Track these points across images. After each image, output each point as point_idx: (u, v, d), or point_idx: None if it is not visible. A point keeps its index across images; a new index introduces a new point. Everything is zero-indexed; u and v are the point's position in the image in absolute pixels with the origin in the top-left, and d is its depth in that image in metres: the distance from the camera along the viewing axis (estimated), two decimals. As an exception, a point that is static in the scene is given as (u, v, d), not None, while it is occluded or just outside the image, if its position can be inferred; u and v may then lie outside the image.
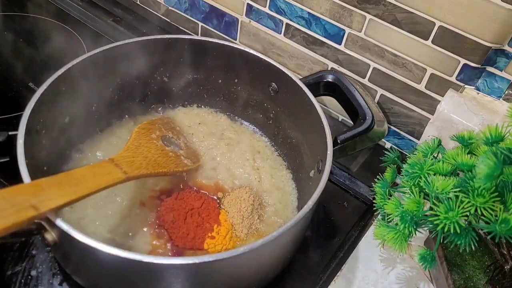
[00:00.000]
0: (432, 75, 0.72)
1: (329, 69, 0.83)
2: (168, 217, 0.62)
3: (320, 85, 0.73)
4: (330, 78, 0.73)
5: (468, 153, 0.54)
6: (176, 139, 0.71)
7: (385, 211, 0.56)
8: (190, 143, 0.74)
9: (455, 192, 0.48)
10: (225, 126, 0.79)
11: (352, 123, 0.69)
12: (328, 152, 0.59)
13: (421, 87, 0.74)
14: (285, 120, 0.74)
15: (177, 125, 0.76)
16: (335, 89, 0.72)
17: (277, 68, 0.70)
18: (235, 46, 0.72)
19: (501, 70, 0.68)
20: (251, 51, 0.71)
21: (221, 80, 0.77)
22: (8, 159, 0.67)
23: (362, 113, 0.68)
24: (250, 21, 0.88)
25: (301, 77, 0.73)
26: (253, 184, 0.70)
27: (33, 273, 0.58)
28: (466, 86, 0.71)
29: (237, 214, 0.64)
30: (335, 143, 0.63)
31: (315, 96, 0.66)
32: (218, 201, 0.67)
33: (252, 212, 0.65)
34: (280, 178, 0.73)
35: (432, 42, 0.69)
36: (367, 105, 0.69)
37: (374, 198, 0.62)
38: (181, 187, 0.68)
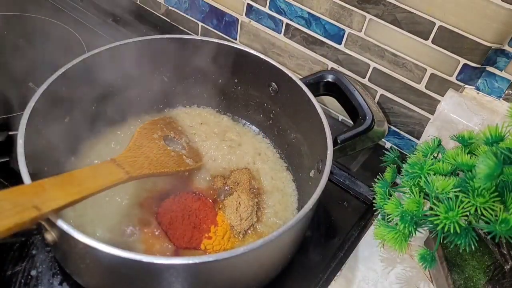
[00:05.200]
0: (432, 75, 0.72)
1: (329, 69, 0.83)
2: (166, 218, 0.62)
3: (320, 85, 0.73)
4: (330, 78, 0.73)
5: (468, 153, 0.54)
6: (178, 139, 0.71)
7: (385, 211, 0.56)
8: (192, 142, 0.74)
9: (455, 192, 0.48)
10: (227, 127, 0.79)
11: (352, 123, 0.69)
12: (328, 152, 0.59)
13: (421, 87, 0.74)
14: (285, 120, 0.74)
15: (178, 125, 0.76)
16: (335, 89, 0.72)
17: (277, 68, 0.70)
18: (235, 46, 0.72)
19: (501, 70, 0.68)
20: (251, 51, 0.71)
21: (221, 80, 0.77)
22: (8, 159, 0.67)
23: (362, 113, 0.68)
24: (250, 21, 0.88)
25: (301, 77, 0.73)
26: (252, 186, 0.70)
27: (33, 273, 0.58)
28: (466, 86, 0.71)
29: (235, 215, 0.64)
30: (335, 143, 0.63)
31: (315, 96, 0.66)
32: (216, 202, 0.67)
33: (251, 213, 0.65)
34: (280, 179, 0.73)
35: (432, 42, 0.69)
36: (367, 105, 0.69)
37: (374, 198, 0.62)
38: (180, 188, 0.68)
